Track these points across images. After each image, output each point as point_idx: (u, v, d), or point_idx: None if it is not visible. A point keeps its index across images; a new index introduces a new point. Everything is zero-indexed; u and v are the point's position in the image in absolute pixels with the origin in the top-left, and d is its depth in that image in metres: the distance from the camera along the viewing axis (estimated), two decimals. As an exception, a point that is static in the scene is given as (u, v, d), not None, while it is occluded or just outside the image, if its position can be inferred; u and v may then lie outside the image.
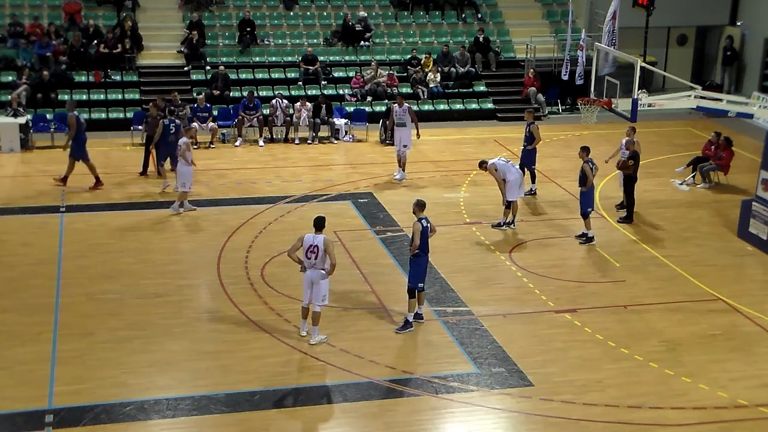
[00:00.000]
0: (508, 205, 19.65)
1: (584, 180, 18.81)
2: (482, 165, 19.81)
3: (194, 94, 27.49)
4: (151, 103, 23.87)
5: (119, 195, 21.57)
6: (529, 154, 21.77)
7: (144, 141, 23.73)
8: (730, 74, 32.17)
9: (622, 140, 21.02)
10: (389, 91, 29.01)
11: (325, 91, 28.64)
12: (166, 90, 27.15)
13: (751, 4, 31.84)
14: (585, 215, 19.04)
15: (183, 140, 20.25)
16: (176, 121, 22.22)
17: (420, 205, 15.05)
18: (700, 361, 14.41)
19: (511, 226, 19.74)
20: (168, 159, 22.07)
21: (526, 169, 21.33)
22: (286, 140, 26.45)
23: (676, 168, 23.69)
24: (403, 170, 22.90)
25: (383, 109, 27.74)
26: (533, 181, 21.93)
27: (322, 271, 14.27)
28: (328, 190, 22.12)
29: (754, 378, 13.98)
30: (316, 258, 14.19)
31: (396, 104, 23.23)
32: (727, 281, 17.53)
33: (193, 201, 20.70)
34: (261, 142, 26.26)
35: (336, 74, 29.88)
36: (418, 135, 23.00)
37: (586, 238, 19.09)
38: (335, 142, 26.64)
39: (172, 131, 21.72)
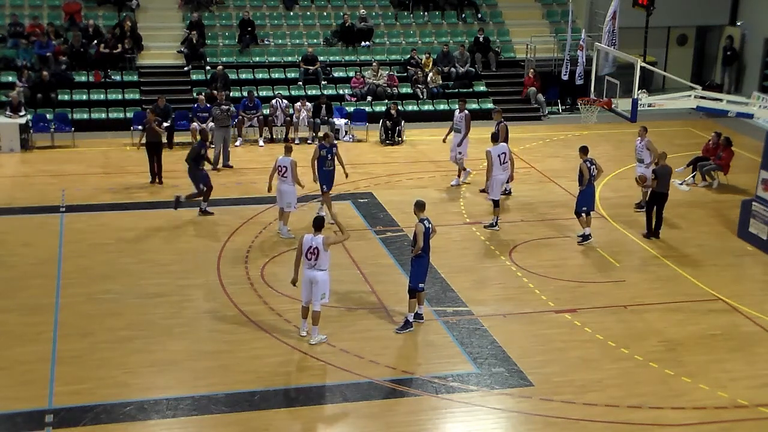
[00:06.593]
0: (496, 204, 19.65)
1: (581, 179, 18.80)
2: (494, 138, 19.90)
3: (194, 94, 27.49)
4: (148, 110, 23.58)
5: (119, 195, 21.57)
6: None
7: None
8: (730, 74, 32.15)
9: (636, 142, 20.93)
10: (389, 91, 29.02)
11: (325, 91, 28.65)
12: (166, 90, 27.21)
13: (751, 4, 31.83)
14: (577, 214, 19.02)
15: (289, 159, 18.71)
16: (330, 147, 19.55)
17: (420, 206, 15.06)
18: (700, 361, 14.42)
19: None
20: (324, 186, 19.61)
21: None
22: (286, 140, 26.41)
23: (676, 168, 23.68)
24: (458, 176, 22.76)
25: (383, 109, 27.74)
26: (507, 181, 21.79)
27: (322, 271, 14.27)
28: (328, 190, 22.11)
29: (754, 378, 13.98)
30: (316, 259, 14.19)
31: (457, 109, 22.98)
32: (727, 281, 17.53)
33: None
34: (261, 142, 26.27)
35: (336, 74, 29.87)
36: (459, 143, 22.49)
37: (582, 237, 19.08)
38: (335, 142, 26.58)
39: (328, 158, 19.44)
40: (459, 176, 22.76)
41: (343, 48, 30.72)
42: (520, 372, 13.88)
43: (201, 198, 20.10)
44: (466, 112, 22.70)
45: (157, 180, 22.34)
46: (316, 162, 19.39)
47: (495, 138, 20.16)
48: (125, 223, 19.79)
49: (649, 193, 19.76)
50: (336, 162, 19.57)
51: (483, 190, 21.84)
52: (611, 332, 15.24)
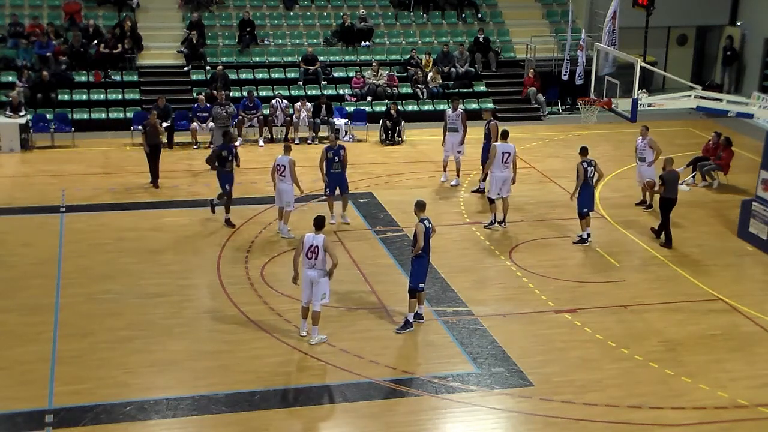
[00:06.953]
0: (491, 201, 19.62)
1: (577, 180, 18.79)
2: (504, 135, 19.80)
3: (194, 94, 27.49)
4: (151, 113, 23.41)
5: (119, 195, 21.57)
6: (487, 151, 21.25)
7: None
8: (730, 74, 32.16)
9: (637, 141, 20.93)
10: (389, 91, 29.03)
11: (325, 91, 28.65)
12: (166, 90, 27.21)
13: (751, 4, 31.83)
14: (581, 216, 19.01)
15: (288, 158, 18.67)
16: (337, 149, 19.56)
17: (420, 206, 15.06)
18: (700, 361, 14.42)
19: (503, 225, 19.71)
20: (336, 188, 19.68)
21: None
22: (286, 140, 26.40)
23: (677, 168, 23.64)
24: (458, 176, 22.67)
25: (383, 109, 27.75)
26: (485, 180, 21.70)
27: (323, 271, 14.27)
28: (328, 190, 22.10)
29: (754, 378, 13.98)
30: (316, 258, 14.19)
31: (450, 108, 22.89)
32: (727, 281, 17.54)
33: (192, 201, 20.72)
34: (261, 142, 26.27)
35: (336, 74, 29.87)
36: (461, 142, 22.38)
37: (580, 239, 19.07)
38: (338, 143, 26.58)
39: (335, 160, 19.46)
40: (457, 175, 22.75)
41: (343, 48, 30.72)
42: (520, 372, 13.88)
43: (227, 198, 19.86)
44: (461, 110, 22.68)
45: (152, 184, 22.16)
46: (323, 165, 19.39)
47: (504, 135, 20.12)
48: (125, 223, 19.79)
49: (658, 199, 19.72)
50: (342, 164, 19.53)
51: (475, 191, 21.88)
52: (611, 332, 15.24)
